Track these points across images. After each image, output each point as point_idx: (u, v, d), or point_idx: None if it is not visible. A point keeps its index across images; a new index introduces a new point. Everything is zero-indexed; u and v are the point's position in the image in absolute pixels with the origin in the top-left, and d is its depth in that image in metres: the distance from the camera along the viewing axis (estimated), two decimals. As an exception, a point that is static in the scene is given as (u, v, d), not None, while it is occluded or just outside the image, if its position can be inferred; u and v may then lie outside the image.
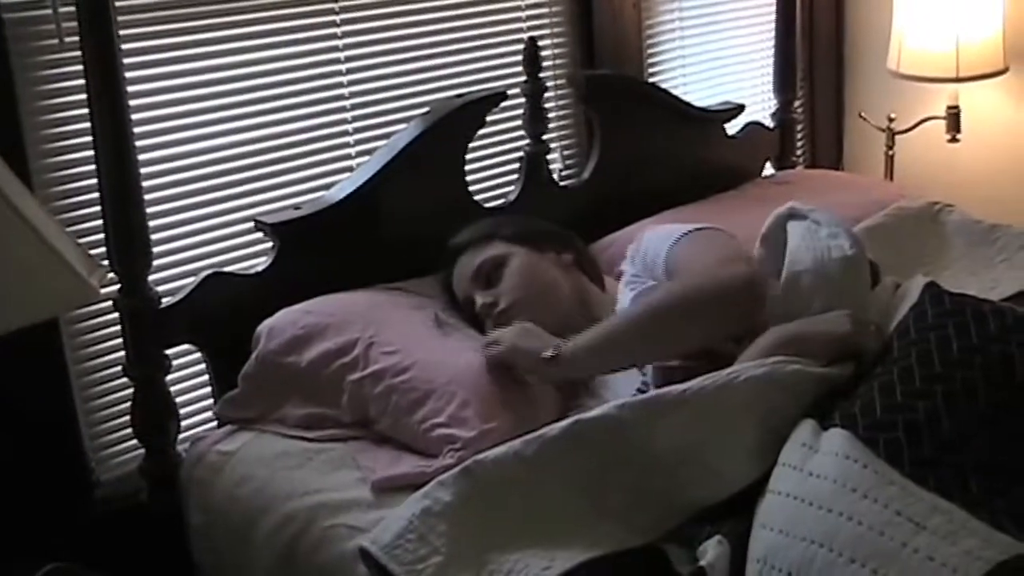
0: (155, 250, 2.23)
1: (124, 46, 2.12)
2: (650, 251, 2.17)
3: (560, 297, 2.28)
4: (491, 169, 3.01)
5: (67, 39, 2.23)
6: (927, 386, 1.65)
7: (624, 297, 2.19)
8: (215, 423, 2.34)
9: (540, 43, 2.77)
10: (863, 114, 3.79)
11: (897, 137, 3.67)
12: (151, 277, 2.23)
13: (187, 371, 2.50)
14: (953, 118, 3.54)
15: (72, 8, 2.09)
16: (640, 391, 1.99)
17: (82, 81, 2.09)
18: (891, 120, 3.66)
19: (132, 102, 2.14)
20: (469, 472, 1.70)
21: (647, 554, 1.64)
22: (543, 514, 1.68)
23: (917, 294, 1.86)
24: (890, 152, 3.69)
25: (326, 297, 2.34)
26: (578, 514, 1.69)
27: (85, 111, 2.12)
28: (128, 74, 2.12)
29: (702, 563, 1.55)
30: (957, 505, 1.49)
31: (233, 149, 2.57)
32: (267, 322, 2.28)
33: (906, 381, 1.66)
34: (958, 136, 3.56)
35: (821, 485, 1.54)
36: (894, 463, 1.54)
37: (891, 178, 3.69)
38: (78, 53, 2.08)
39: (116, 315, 2.25)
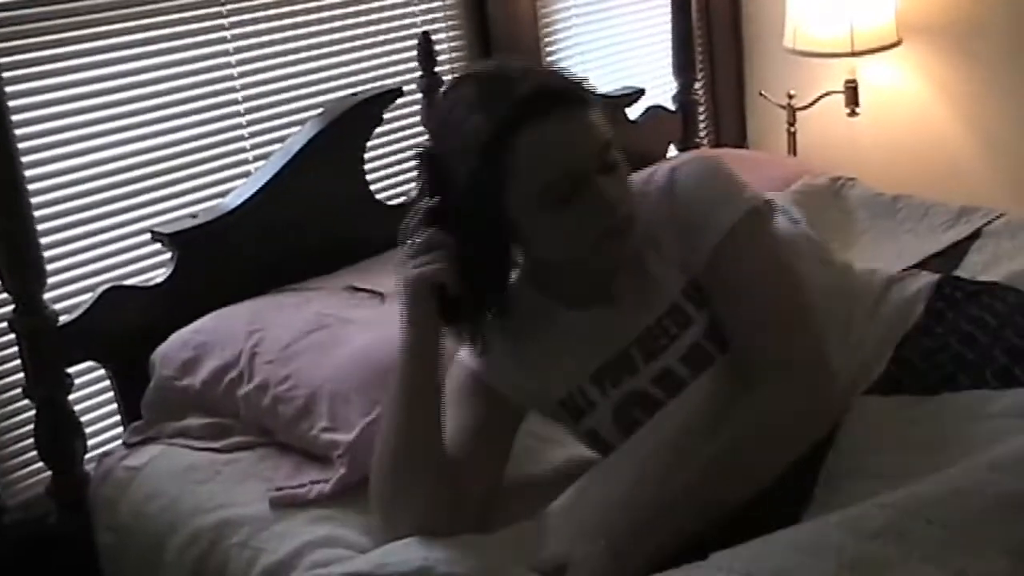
0: (50, 267, 2.18)
1: (2, 60, 2.07)
2: (698, 215, 1.66)
3: None
4: (392, 167, 2.98)
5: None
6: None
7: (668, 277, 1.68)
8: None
9: (435, 36, 2.76)
10: (763, 92, 3.81)
11: (798, 113, 3.70)
12: (47, 295, 2.17)
13: (92, 388, 2.45)
14: (851, 92, 3.58)
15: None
16: None
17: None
18: (791, 97, 3.69)
19: (15, 117, 2.09)
20: None
21: None
22: None
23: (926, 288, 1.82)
24: (792, 128, 3.72)
25: (215, 313, 2.31)
26: None
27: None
28: (8, 88, 2.07)
29: None
30: None
31: (126, 160, 2.52)
32: (160, 349, 2.25)
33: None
34: (857, 110, 3.60)
35: None
36: None
37: (794, 154, 3.72)
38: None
39: (13, 335, 2.20)
